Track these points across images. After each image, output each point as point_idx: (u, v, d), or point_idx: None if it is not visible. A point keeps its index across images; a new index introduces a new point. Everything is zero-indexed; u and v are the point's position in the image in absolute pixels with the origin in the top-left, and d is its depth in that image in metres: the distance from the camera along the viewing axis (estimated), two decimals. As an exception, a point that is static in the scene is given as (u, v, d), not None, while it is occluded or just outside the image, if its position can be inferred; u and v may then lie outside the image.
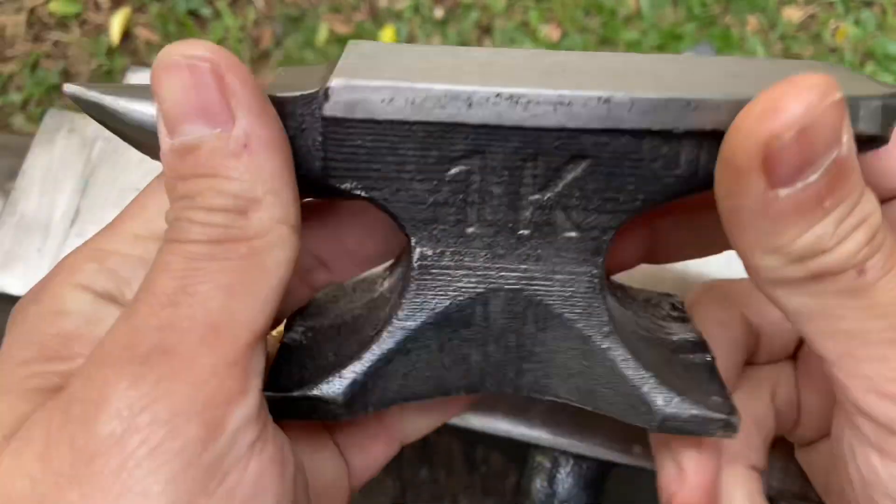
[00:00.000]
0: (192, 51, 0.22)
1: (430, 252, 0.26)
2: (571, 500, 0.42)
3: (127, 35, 1.42)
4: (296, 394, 0.26)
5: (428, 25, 1.40)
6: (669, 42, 1.35)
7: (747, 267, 0.24)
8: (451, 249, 0.26)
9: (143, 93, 0.25)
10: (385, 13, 1.42)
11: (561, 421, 0.40)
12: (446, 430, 0.37)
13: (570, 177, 0.25)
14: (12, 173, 0.47)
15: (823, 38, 1.36)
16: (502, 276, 0.26)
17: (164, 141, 0.23)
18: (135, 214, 0.26)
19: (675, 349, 0.29)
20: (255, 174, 0.22)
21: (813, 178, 0.21)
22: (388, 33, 1.39)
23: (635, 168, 0.24)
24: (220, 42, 1.39)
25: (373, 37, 1.39)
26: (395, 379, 0.26)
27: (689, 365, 0.28)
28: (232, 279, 0.22)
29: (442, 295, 0.26)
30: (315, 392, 0.26)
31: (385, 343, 0.26)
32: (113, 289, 0.25)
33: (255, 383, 0.22)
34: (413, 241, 0.26)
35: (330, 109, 0.24)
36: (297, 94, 0.24)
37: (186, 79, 0.22)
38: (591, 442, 0.38)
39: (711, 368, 0.28)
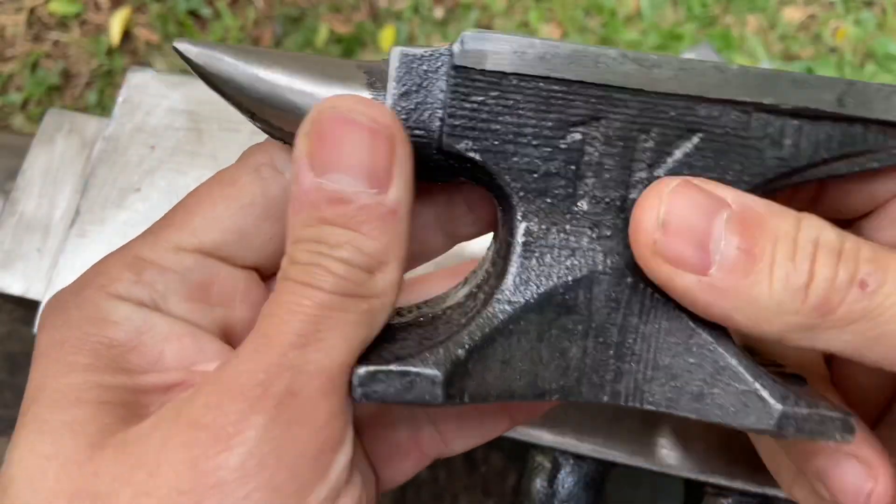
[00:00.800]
0: (376, 114, 0.23)
1: (535, 228, 0.26)
2: (571, 500, 0.42)
3: (127, 35, 1.42)
4: (394, 367, 0.24)
5: (428, 25, 1.40)
6: (669, 42, 1.35)
7: (782, 349, 0.26)
8: (557, 226, 0.26)
9: (265, 60, 0.25)
10: (385, 13, 1.41)
11: (562, 421, 0.40)
12: (446, 430, 0.37)
13: (680, 153, 0.25)
14: (12, 173, 0.47)
15: (823, 39, 1.36)
16: (608, 258, 0.26)
17: (307, 176, 0.24)
18: (180, 224, 0.26)
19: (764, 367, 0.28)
20: (392, 239, 0.24)
21: (721, 246, 0.23)
22: (388, 33, 1.39)
23: (742, 146, 0.25)
24: (220, 42, 1.39)
25: (373, 37, 1.39)
26: (493, 365, 0.25)
27: (787, 377, 0.27)
28: (351, 333, 0.23)
29: (546, 275, 0.25)
30: (415, 367, 0.24)
31: (487, 321, 0.25)
32: (149, 301, 0.25)
33: (351, 432, 0.24)
34: (519, 214, 0.26)
35: (460, 58, 0.24)
36: (426, 50, 0.25)
37: (365, 139, 0.23)
38: (591, 442, 0.38)
39: (801, 379, 0.28)
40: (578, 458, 0.40)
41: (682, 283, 0.24)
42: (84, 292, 0.25)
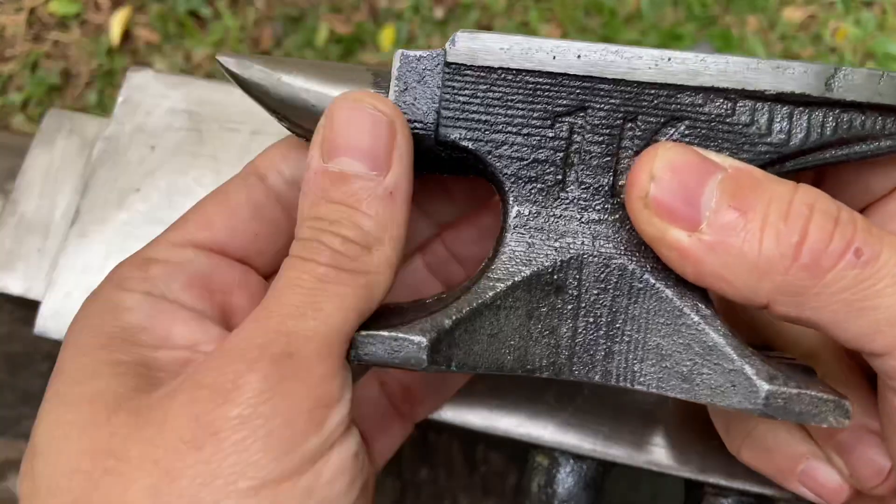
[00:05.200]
0: (379, 105, 0.26)
1: (526, 211, 0.27)
2: (571, 500, 0.42)
3: (127, 35, 1.42)
4: (385, 333, 0.26)
5: (428, 25, 1.40)
6: (669, 42, 1.34)
7: (770, 317, 0.26)
8: (546, 210, 0.27)
9: (287, 66, 0.28)
10: (385, 13, 1.41)
11: (562, 421, 0.40)
12: (446, 430, 0.37)
13: (667, 140, 0.26)
14: (12, 173, 0.47)
15: (823, 39, 1.36)
16: (596, 242, 0.27)
17: (317, 162, 0.26)
18: (179, 226, 0.29)
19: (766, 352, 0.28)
20: (388, 219, 0.26)
21: (713, 203, 0.24)
22: (388, 33, 1.39)
23: (729, 132, 0.26)
24: (220, 42, 1.39)
25: (373, 37, 1.39)
26: (481, 338, 0.26)
27: (795, 367, 0.27)
28: (349, 304, 0.25)
29: (535, 256, 0.27)
30: (403, 333, 0.25)
31: (475, 296, 0.26)
32: (156, 290, 0.28)
33: (348, 394, 0.26)
34: (511, 199, 0.27)
35: (453, 55, 0.26)
36: (424, 51, 0.27)
37: (368, 125, 0.26)
38: (592, 442, 0.38)
39: (810, 370, 0.27)
40: (578, 458, 0.40)
41: (673, 238, 0.24)
42: (100, 290, 0.28)
